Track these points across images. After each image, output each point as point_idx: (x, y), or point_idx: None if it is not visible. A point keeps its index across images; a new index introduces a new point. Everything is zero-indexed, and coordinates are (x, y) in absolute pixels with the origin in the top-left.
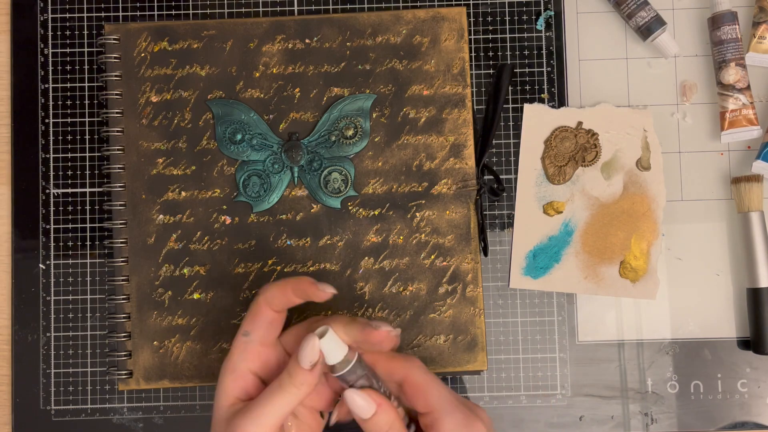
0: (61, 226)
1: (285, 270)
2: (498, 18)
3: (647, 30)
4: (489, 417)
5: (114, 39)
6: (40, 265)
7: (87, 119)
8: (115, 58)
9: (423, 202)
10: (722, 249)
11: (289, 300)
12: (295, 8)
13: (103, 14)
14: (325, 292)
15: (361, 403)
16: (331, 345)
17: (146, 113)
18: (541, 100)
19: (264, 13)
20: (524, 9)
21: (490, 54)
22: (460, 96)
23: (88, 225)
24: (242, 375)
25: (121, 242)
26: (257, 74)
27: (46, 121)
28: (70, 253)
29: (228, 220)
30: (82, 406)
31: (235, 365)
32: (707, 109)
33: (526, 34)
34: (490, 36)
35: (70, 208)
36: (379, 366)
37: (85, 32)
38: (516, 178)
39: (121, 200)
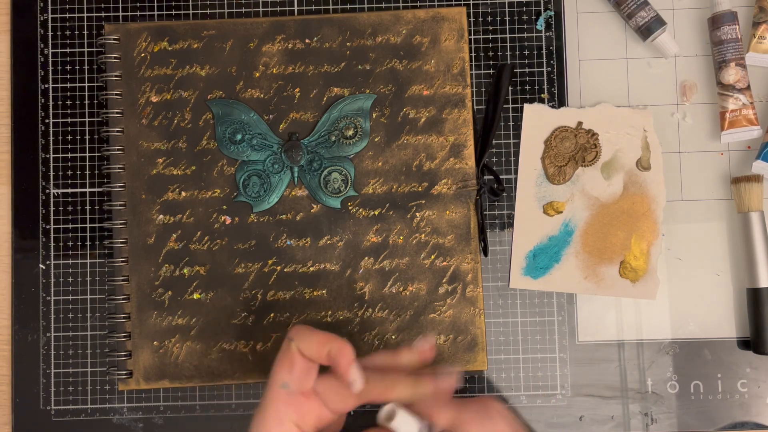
0: (61, 226)
1: (285, 270)
2: (498, 18)
3: (647, 30)
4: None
5: (114, 39)
6: (40, 265)
7: (87, 119)
8: (115, 58)
9: (423, 202)
10: (722, 249)
11: (322, 358)
12: (295, 8)
13: (103, 14)
14: (353, 384)
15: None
16: (402, 425)
17: (146, 113)
18: (541, 100)
19: (264, 13)
20: (524, 9)
21: (490, 54)
22: (460, 96)
23: (88, 225)
24: (288, 429)
25: (121, 242)
26: (257, 74)
27: (46, 121)
28: (70, 253)
29: (228, 220)
30: (82, 406)
31: (282, 418)
32: (707, 109)
33: (526, 34)
34: (490, 36)
35: (70, 208)
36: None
37: (85, 32)
38: (516, 178)
39: (121, 200)
